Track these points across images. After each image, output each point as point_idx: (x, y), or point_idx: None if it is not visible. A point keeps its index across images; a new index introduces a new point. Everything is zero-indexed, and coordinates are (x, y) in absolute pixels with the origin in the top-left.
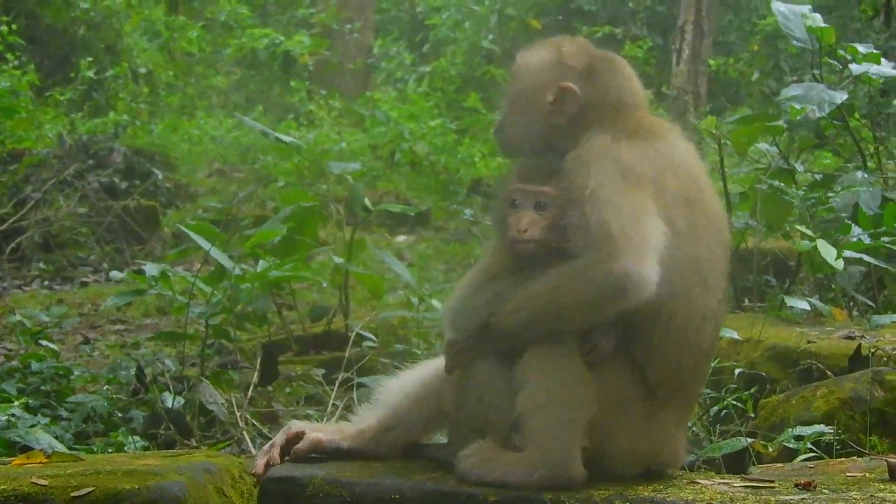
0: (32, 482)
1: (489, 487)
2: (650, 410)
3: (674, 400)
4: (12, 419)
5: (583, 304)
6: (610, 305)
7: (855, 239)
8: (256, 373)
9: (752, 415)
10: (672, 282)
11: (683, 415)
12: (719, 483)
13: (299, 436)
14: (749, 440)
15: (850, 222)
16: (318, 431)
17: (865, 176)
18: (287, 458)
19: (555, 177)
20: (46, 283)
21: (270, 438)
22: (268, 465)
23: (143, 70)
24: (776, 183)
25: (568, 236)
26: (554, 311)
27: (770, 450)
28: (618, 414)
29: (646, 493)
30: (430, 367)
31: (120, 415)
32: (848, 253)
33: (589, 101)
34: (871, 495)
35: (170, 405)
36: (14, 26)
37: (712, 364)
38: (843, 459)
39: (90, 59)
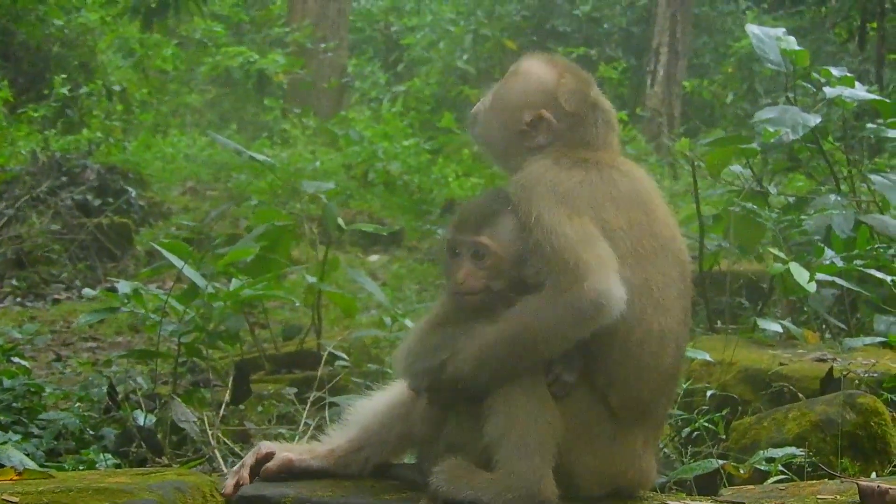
0: (3, 499)
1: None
2: (615, 431)
3: (639, 421)
4: None
5: (556, 333)
6: (584, 327)
7: (828, 262)
8: (228, 391)
9: (724, 436)
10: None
11: (650, 436)
12: None
13: (269, 455)
14: (720, 462)
15: (822, 245)
16: (289, 451)
17: (838, 199)
18: (257, 477)
19: (492, 223)
20: (19, 299)
21: (242, 457)
22: (237, 485)
23: (117, 87)
24: (749, 205)
25: (512, 281)
26: (524, 348)
27: (741, 472)
28: (582, 435)
29: None
30: (401, 388)
31: (91, 432)
32: (820, 276)
33: (560, 137)
34: None
35: (142, 423)
36: None
37: (684, 386)
38: (815, 482)
39: (64, 76)
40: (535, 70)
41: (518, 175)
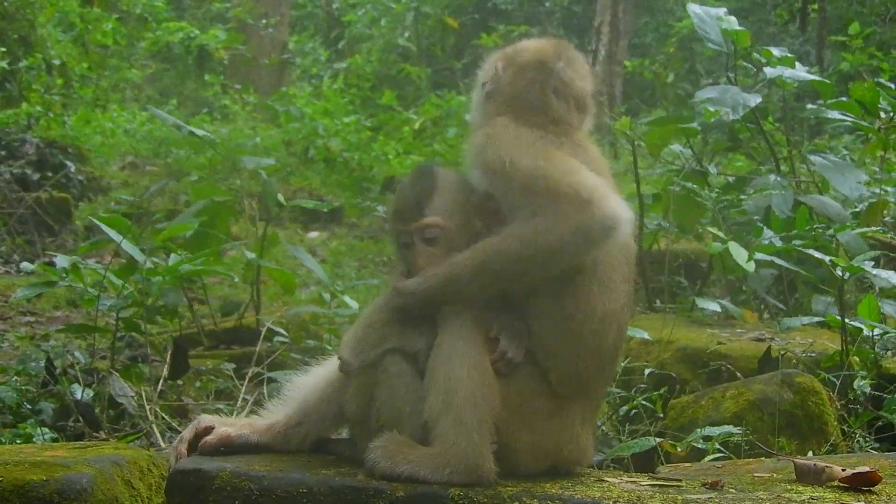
0: None
1: (397, 481)
2: (553, 408)
3: (577, 399)
4: None
5: (562, 254)
6: (594, 248)
7: (766, 241)
8: (166, 366)
9: (662, 415)
10: (570, 284)
11: (588, 414)
12: (627, 481)
13: (208, 430)
14: (658, 440)
15: (761, 225)
16: (228, 426)
17: (778, 179)
18: (195, 452)
19: (429, 201)
20: None
21: (180, 432)
22: (177, 460)
23: (56, 62)
24: (689, 185)
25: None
26: (524, 264)
27: (679, 450)
28: (520, 411)
29: (553, 491)
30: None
31: (29, 406)
32: (759, 255)
33: (511, 95)
34: (778, 495)
35: (79, 397)
36: None
37: (622, 364)
38: (751, 460)
39: (3, 49)
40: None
41: (482, 130)
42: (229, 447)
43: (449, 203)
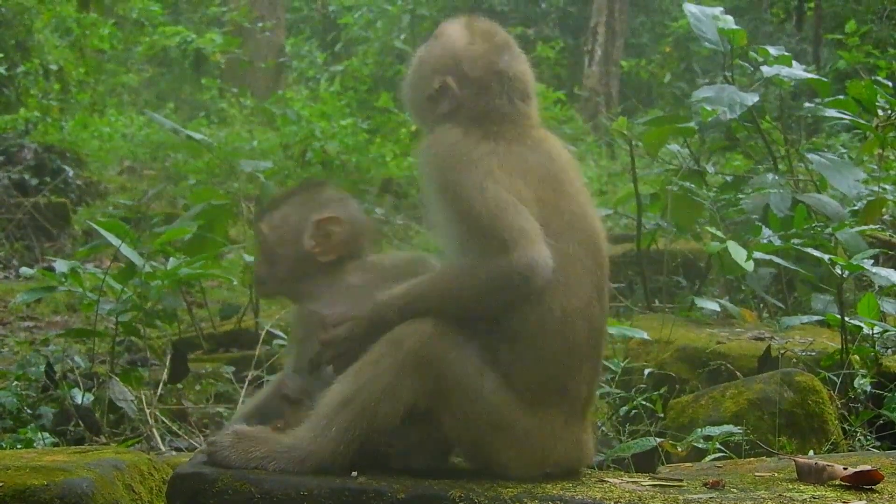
0: None
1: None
2: (530, 418)
3: (554, 402)
4: None
5: (485, 297)
6: (511, 295)
7: (765, 241)
8: (166, 370)
9: (662, 415)
10: None
11: (571, 415)
12: (628, 482)
13: None
14: (658, 440)
15: (760, 224)
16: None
17: (776, 178)
18: (200, 455)
19: (271, 210)
20: None
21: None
22: None
23: (54, 67)
24: (687, 184)
25: (296, 269)
26: (454, 305)
27: (679, 449)
28: (497, 428)
29: (554, 492)
30: None
31: (29, 411)
32: (758, 254)
33: (463, 105)
34: (780, 494)
35: (79, 402)
36: None
37: (621, 364)
38: (752, 459)
39: (1, 55)
40: (449, 34)
41: (425, 142)
42: None
43: (284, 216)
